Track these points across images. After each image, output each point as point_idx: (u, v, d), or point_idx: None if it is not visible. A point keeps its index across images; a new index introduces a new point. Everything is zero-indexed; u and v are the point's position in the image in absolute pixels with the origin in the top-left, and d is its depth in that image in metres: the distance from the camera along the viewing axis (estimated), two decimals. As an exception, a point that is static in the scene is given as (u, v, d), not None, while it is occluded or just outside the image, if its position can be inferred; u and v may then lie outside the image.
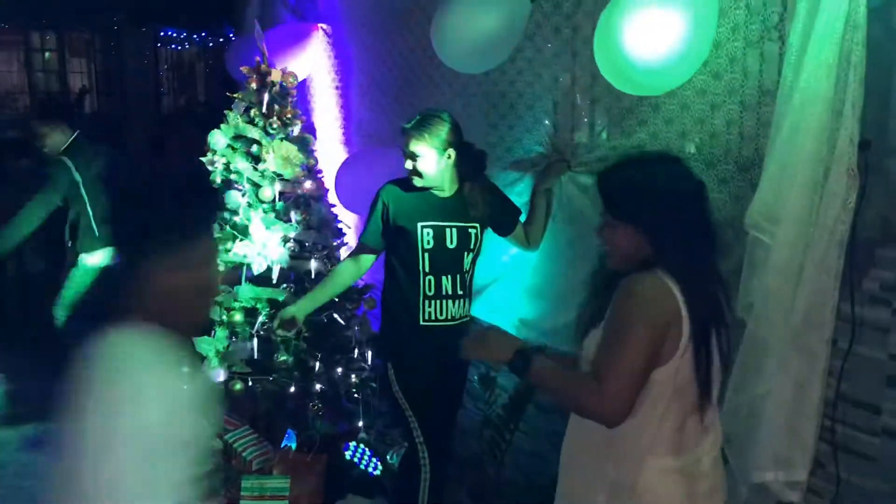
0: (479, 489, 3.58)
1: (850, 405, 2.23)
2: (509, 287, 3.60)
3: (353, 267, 3.19)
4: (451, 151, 2.96)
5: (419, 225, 2.98)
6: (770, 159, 2.24)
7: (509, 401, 3.54)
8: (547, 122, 3.33)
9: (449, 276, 3.02)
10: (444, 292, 3.02)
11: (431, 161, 2.94)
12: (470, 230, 3.05)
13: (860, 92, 2.07)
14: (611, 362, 1.78)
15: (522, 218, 3.25)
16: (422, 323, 3.03)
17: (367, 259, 3.16)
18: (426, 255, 2.98)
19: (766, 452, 2.20)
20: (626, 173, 1.97)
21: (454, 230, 3.03)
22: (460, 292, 3.07)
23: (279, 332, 3.22)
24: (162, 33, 10.55)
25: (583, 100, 3.17)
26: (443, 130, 2.94)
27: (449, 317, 3.05)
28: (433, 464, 3.04)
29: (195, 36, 10.70)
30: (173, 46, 10.94)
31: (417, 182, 2.98)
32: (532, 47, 3.28)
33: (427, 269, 2.99)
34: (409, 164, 2.97)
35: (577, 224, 3.17)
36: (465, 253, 3.05)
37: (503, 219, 3.18)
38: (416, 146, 2.92)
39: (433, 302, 3.02)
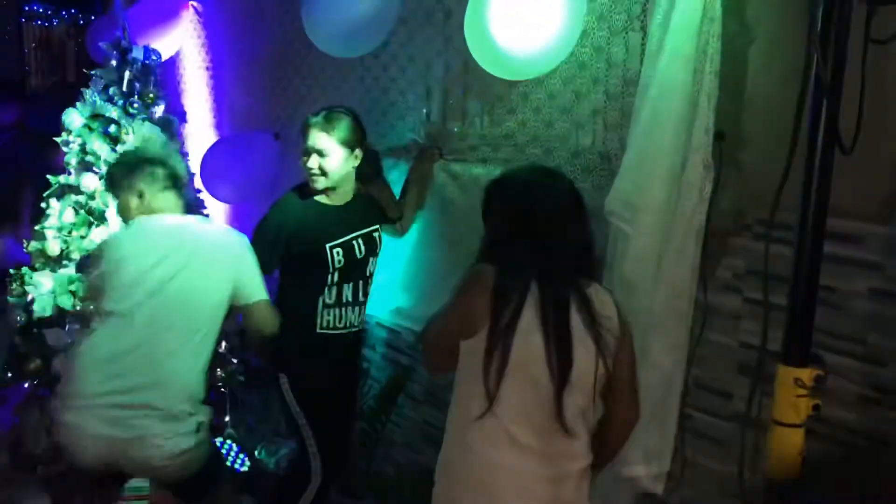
0: (349, 482, 3.51)
1: (702, 390, 2.29)
2: (385, 277, 3.54)
3: None
4: (359, 151, 2.81)
5: (327, 246, 2.79)
6: (630, 148, 2.27)
7: (381, 392, 3.48)
8: (420, 109, 3.28)
9: (351, 284, 2.88)
10: (344, 300, 2.88)
11: (338, 159, 2.74)
12: (374, 234, 2.94)
13: (715, 83, 2.12)
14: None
15: None
16: (318, 331, 2.87)
17: None
18: (336, 271, 2.82)
19: (636, 447, 2.19)
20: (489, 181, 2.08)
21: (360, 239, 2.88)
22: (361, 299, 2.94)
23: None
24: (27, 8, 9.88)
25: (455, 87, 3.13)
26: (351, 127, 2.77)
27: (347, 324, 2.92)
28: (324, 475, 2.91)
29: (63, 12, 10.07)
30: (40, 22, 10.27)
31: (320, 184, 2.77)
32: (405, 31, 3.21)
33: (335, 281, 2.84)
34: (312, 163, 2.73)
35: (448, 212, 3.14)
36: (372, 258, 2.94)
37: (390, 213, 3.11)
38: (321, 142, 2.71)
39: (332, 310, 2.86)
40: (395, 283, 3.46)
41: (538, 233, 1.88)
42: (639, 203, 2.23)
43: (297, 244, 2.79)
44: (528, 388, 1.82)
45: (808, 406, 1.55)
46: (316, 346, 2.88)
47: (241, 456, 3.63)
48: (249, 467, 3.62)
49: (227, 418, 3.64)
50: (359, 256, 2.87)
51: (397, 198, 3.19)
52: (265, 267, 2.79)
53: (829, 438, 1.98)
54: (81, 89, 3.67)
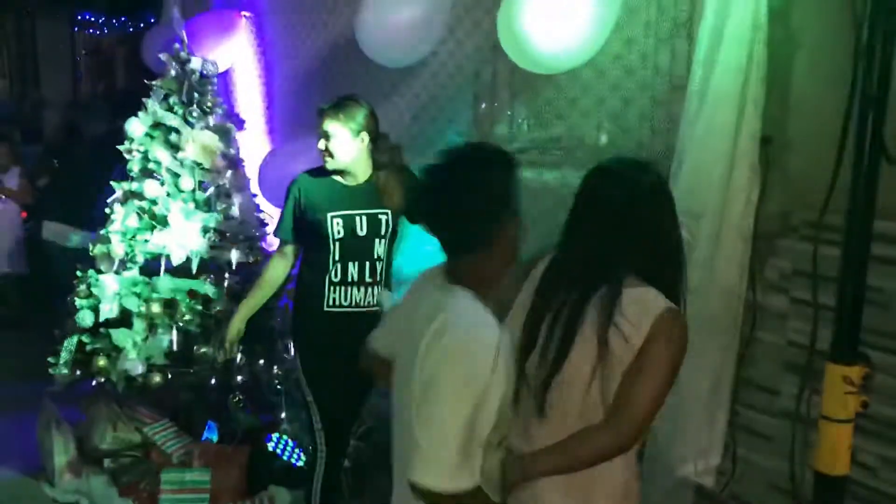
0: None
1: (751, 388, 2.35)
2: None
3: (282, 262, 3.16)
4: (365, 135, 2.97)
5: (329, 215, 2.98)
6: (685, 157, 2.31)
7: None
8: (468, 114, 3.37)
9: (356, 263, 3.03)
10: (349, 279, 3.02)
11: (344, 142, 2.95)
12: (380, 216, 3.05)
13: (762, 90, 2.18)
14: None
15: None
16: (325, 308, 3.04)
17: (292, 251, 3.13)
18: (337, 243, 2.99)
19: (690, 446, 2.28)
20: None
21: (363, 217, 3.03)
22: (369, 280, 3.06)
23: (227, 354, 3.31)
24: (80, 17, 10.18)
25: (503, 93, 3.22)
26: (359, 114, 2.96)
27: (354, 303, 3.06)
28: (330, 449, 3.08)
29: (114, 21, 10.35)
30: (91, 31, 10.58)
31: (329, 164, 2.97)
32: (453, 40, 3.31)
33: (336, 258, 3.00)
34: (321, 144, 2.97)
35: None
36: (377, 240, 3.06)
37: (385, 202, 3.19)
38: (329, 125, 2.93)
39: (338, 288, 3.02)
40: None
41: (591, 223, 1.83)
42: (699, 210, 2.28)
43: (307, 212, 3.00)
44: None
45: (857, 403, 1.61)
46: (323, 324, 3.05)
47: (297, 451, 3.76)
48: (305, 462, 3.75)
49: (283, 415, 3.77)
50: (360, 233, 3.02)
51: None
52: (289, 234, 3.06)
53: (877, 435, 2.03)
54: (142, 98, 3.81)
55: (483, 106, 3.33)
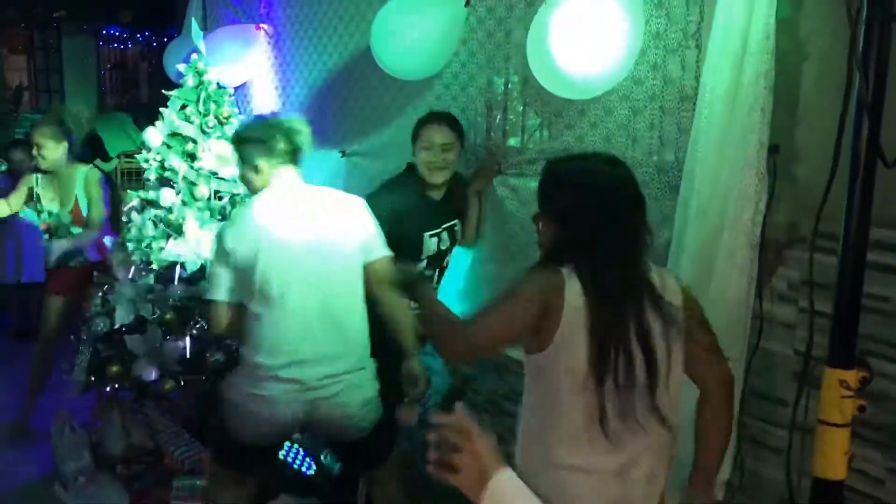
0: (412, 488, 3.61)
1: (758, 399, 2.33)
2: (443, 288, 3.64)
3: None
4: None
5: (426, 235, 3.00)
6: (698, 165, 2.30)
7: (441, 401, 3.58)
8: (481, 125, 3.39)
9: (436, 272, 3.11)
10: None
11: (457, 152, 2.96)
12: (455, 228, 3.14)
13: (769, 99, 2.18)
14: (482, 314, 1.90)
15: None
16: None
17: None
18: (426, 260, 3.02)
19: None
20: (551, 168, 1.91)
21: (446, 232, 3.09)
22: (437, 285, 3.17)
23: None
24: (104, 31, 10.36)
25: (515, 103, 3.23)
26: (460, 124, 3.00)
27: None
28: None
29: (138, 35, 10.53)
30: (116, 45, 10.77)
31: (442, 176, 2.94)
32: (466, 51, 3.33)
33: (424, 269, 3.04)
34: (436, 157, 2.88)
35: (508, 225, 3.23)
36: (449, 251, 3.15)
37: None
38: (449, 136, 2.91)
39: None
40: (456, 295, 3.56)
41: (626, 230, 1.78)
42: (714, 220, 2.28)
43: (396, 227, 2.81)
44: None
45: (854, 407, 1.59)
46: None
47: (308, 460, 3.76)
48: (315, 471, 3.75)
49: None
50: (443, 248, 3.08)
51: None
52: None
53: (885, 446, 2.01)
54: (160, 109, 3.86)
55: (497, 116, 3.35)
